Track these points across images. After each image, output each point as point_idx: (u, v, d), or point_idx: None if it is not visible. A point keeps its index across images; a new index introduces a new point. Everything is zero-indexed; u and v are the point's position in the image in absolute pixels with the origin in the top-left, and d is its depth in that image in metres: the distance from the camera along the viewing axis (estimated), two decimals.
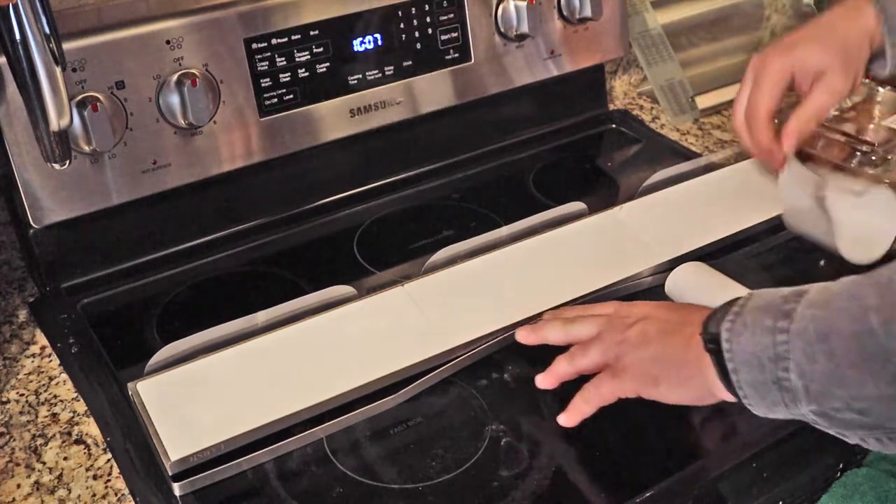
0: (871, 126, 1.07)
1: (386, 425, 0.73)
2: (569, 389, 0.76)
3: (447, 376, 0.77)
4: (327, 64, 0.93)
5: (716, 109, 1.23)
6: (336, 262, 0.94)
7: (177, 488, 0.67)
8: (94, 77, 0.81)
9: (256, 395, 0.72)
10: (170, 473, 0.67)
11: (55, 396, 0.78)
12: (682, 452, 0.70)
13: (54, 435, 0.74)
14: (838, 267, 0.82)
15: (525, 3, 1.01)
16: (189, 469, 0.67)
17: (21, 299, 0.89)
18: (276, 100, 0.91)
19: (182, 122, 0.86)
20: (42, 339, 0.84)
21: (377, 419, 0.73)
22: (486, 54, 1.03)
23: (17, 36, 0.64)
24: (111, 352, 0.81)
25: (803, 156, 1.04)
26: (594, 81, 1.19)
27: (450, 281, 0.84)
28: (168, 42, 0.84)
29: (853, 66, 0.82)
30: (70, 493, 0.68)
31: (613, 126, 1.19)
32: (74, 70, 0.80)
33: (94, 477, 0.70)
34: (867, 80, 1.01)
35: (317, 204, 1.01)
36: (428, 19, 0.98)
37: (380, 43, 0.96)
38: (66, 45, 0.70)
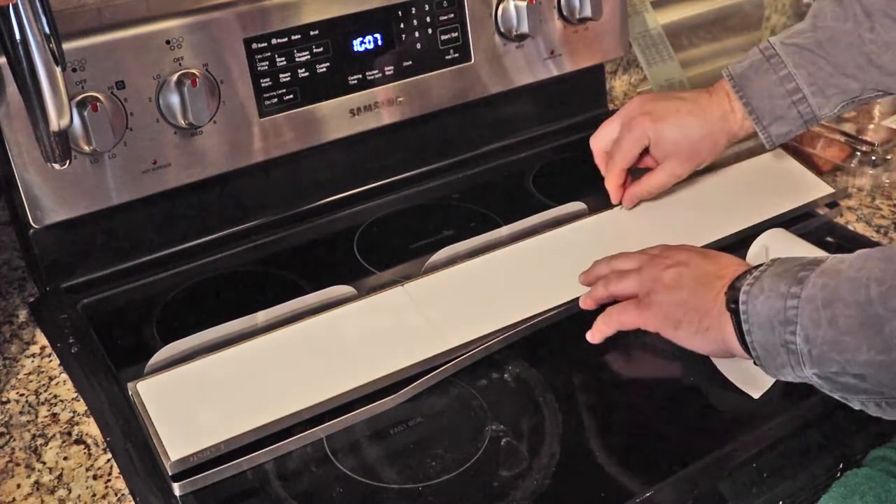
0: (871, 126, 1.07)
1: (386, 425, 0.73)
2: (568, 389, 0.77)
3: (447, 376, 0.77)
4: (327, 64, 0.93)
5: None
6: (336, 262, 0.94)
7: (177, 488, 0.67)
8: (94, 77, 0.81)
9: (256, 395, 0.72)
10: (170, 473, 0.67)
11: (55, 396, 0.78)
12: (682, 452, 0.70)
13: (54, 435, 0.74)
14: None
15: (525, 3, 1.01)
16: (189, 469, 0.67)
17: (21, 299, 0.89)
18: (276, 100, 0.91)
19: (182, 122, 0.86)
20: (42, 339, 0.84)
21: (377, 419, 0.73)
22: (486, 54, 1.03)
23: (17, 36, 0.64)
24: (111, 352, 0.81)
25: (804, 156, 1.05)
26: (594, 81, 1.19)
27: (450, 281, 0.84)
28: (168, 42, 0.84)
29: (697, 159, 0.89)
30: (70, 493, 0.68)
31: None
32: (74, 70, 0.80)
33: (94, 477, 0.70)
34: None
35: (317, 204, 1.01)
36: (428, 19, 0.98)
37: (380, 43, 0.96)
38: (66, 45, 0.70)
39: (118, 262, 0.91)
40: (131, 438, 0.71)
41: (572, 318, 0.81)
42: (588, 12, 1.05)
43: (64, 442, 0.73)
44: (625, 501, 0.65)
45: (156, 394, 0.71)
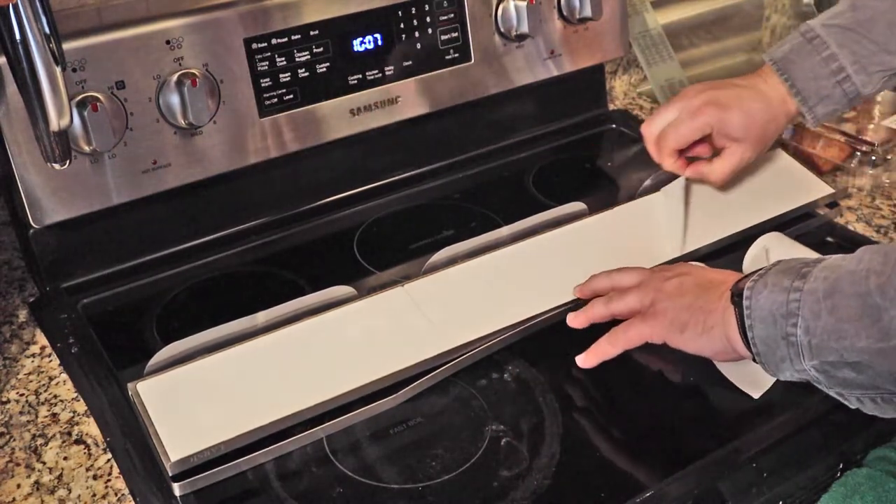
0: (871, 126, 1.07)
1: (386, 425, 0.73)
2: (568, 389, 0.77)
3: (447, 376, 0.77)
4: (327, 64, 0.93)
5: None
6: (336, 262, 0.94)
7: (177, 488, 0.67)
8: (94, 77, 0.81)
9: (256, 395, 0.72)
10: (170, 474, 0.67)
11: (55, 396, 0.78)
12: (682, 452, 0.70)
13: (54, 435, 0.74)
14: None
15: (525, 3, 1.01)
16: (189, 469, 0.67)
17: (21, 299, 0.89)
18: (276, 100, 0.91)
19: (182, 122, 0.86)
20: (42, 339, 0.84)
21: (377, 419, 0.73)
22: (486, 54, 1.03)
23: (17, 36, 0.64)
24: (111, 352, 0.81)
25: (803, 156, 1.05)
26: (594, 81, 1.19)
27: (450, 281, 0.84)
28: (168, 42, 0.84)
29: (764, 143, 0.91)
30: (70, 493, 0.68)
31: (613, 126, 1.19)
32: (74, 70, 0.80)
33: (94, 477, 0.70)
34: None
35: (317, 204, 1.01)
36: (428, 19, 0.98)
37: (380, 43, 0.96)
38: (66, 45, 0.70)
39: (118, 262, 0.91)
40: (131, 438, 0.71)
41: None
42: (588, 12, 1.05)
43: (64, 442, 0.73)
44: (625, 501, 0.65)
45: (156, 394, 0.71)
